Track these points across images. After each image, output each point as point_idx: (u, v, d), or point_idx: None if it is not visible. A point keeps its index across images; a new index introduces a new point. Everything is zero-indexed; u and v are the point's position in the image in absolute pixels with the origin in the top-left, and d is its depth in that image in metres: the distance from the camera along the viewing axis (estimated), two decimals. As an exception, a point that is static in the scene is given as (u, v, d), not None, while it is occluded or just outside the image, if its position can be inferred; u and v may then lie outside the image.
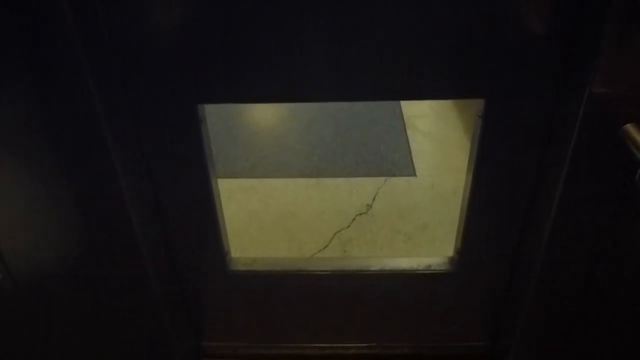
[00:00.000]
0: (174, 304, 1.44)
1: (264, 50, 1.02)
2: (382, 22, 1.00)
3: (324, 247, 1.95)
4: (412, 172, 2.37)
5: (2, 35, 0.86)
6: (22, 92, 0.94)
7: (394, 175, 2.35)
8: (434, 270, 1.44)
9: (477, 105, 1.15)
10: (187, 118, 1.10)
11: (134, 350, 1.43)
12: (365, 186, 2.28)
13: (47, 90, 0.94)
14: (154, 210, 1.27)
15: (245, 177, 2.28)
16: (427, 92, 1.13)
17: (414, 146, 2.55)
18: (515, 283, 1.40)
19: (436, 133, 2.66)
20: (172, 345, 1.44)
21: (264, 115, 2.82)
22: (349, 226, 2.06)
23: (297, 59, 1.04)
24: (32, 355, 1.08)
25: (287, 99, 1.11)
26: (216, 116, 2.65)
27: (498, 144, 1.16)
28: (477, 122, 1.16)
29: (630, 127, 0.97)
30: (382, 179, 2.32)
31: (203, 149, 1.16)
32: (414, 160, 2.45)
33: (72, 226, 1.12)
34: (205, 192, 1.25)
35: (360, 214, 2.12)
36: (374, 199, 2.20)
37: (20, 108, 0.94)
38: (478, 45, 1.02)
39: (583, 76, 0.96)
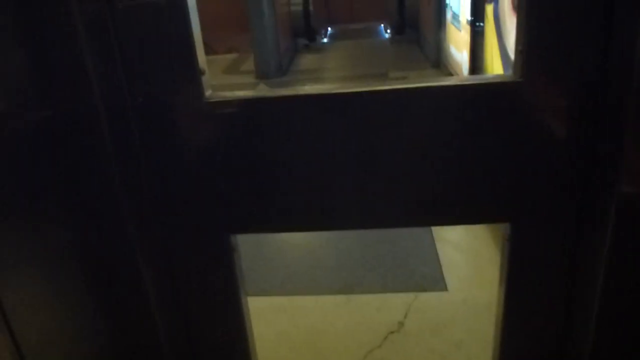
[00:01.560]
0: None
1: (294, 183, 1.07)
2: (405, 153, 1.05)
3: (356, 369, 1.90)
4: (443, 286, 2.34)
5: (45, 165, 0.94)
6: (60, 223, 0.99)
7: (425, 290, 2.32)
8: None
9: (504, 227, 1.17)
10: (220, 247, 1.14)
11: None
12: (395, 302, 2.25)
13: (80, 215, 1.00)
14: (184, 333, 1.27)
15: (274, 295, 2.28)
16: (452, 219, 1.16)
17: (443, 259, 2.53)
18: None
19: (465, 245, 2.65)
20: None
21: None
22: (380, 345, 2.01)
23: (326, 191, 1.09)
24: None
25: (317, 228, 1.15)
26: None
27: (527, 265, 1.16)
28: (505, 245, 1.17)
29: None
30: (412, 294, 2.29)
31: (235, 275, 1.18)
32: (445, 273, 2.42)
33: (98, 342, 1.13)
34: (235, 316, 1.25)
35: (392, 332, 2.07)
36: (405, 316, 2.15)
37: (57, 237, 0.99)
38: (501, 171, 1.06)
39: (609, 180, 0.98)
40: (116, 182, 1.01)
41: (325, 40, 10.47)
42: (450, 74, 5.30)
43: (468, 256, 2.58)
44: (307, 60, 8.37)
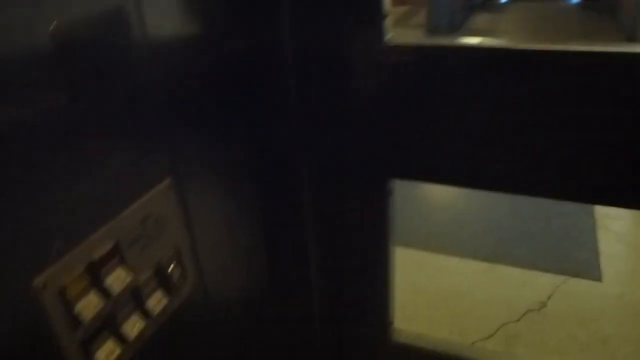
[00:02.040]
0: (329, 354, 1.48)
1: (459, 136, 1.06)
2: (587, 123, 0.98)
3: (488, 337, 1.87)
4: (598, 277, 2.18)
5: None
6: (240, 146, 1.09)
7: (577, 276, 2.18)
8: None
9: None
10: (377, 190, 1.17)
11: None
12: (541, 281, 2.15)
13: (260, 144, 1.09)
14: (332, 272, 1.34)
15: (416, 249, 2.29)
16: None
17: (603, 248, 2.34)
18: None
19: (631, 238, 2.43)
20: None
21: (444, 190, 2.83)
22: (518, 320, 1.95)
23: (489, 149, 1.05)
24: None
25: (475, 186, 1.13)
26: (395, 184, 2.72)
27: None
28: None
29: None
30: (561, 277, 2.16)
31: (387, 220, 1.21)
32: (602, 263, 2.25)
33: (260, 261, 1.24)
34: (381, 261, 1.29)
35: (532, 310, 1.99)
36: (549, 297, 2.05)
37: (236, 157, 1.10)
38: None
39: None
40: (292, 117, 1.07)
41: (504, -1, 9.82)
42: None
43: (632, 250, 2.36)
44: (482, 20, 7.95)
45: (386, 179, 1.17)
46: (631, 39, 5.66)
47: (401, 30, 7.21)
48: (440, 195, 2.80)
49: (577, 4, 9.05)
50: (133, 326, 0.77)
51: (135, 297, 0.78)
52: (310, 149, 1.14)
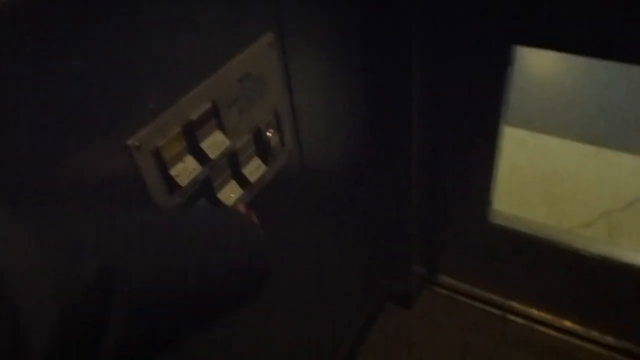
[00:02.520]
0: (423, 229, 1.45)
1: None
2: None
3: (588, 224, 1.76)
4: None
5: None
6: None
7: (699, 168, 1.97)
8: None
9: None
10: (499, 57, 1.03)
11: (375, 258, 1.49)
12: (655, 170, 1.96)
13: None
14: (433, 141, 1.25)
15: (518, 127, 2.13)
16: None
17: None
18: None
19: None
20: (408, 263, 1.47)
21: (555, 66, 2.57)
22: (622, 209, 1.81)
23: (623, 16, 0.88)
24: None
25: (604, 56, 0.96)
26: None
27: None
28: None
29: None
30: (681, 169, 1.96)
31: (504, 90, 1.08)
32: None
33: (361, 135, 1.17)
34: (489, 135, 1.19)
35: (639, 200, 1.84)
36: (662, 188, 1.88)
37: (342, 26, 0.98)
38: None
39: None
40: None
41: None
42: None
43: None
44: None
45: (509, 44, 1.02)
46: None
47: None
48: (548, 70, 2.56)
49: None
50: (229, 192, 0.73)
51: (232, 163, 0.74)
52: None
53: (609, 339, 1.43)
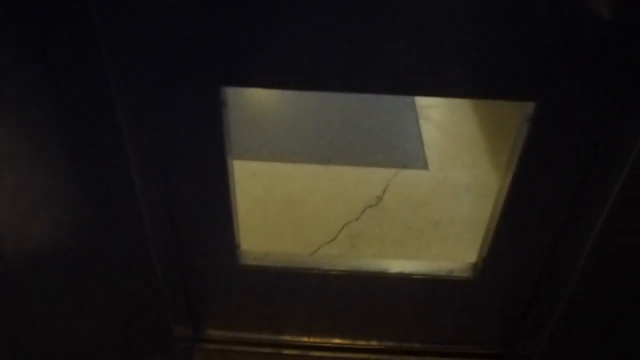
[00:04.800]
0: (176, 288, 1.35)
1: (287, 36, 0.92)
2: (418, 11, 0.89)
3: (332, 240, 1.86)
4: (424, 165, 2.28)
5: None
6: (38, 75, 0.82)
7: (406, 167, 2.25)
8: (455, 276, 1.35)
9: (524, 108, 1.05)
10: (209, 100, 0.99)
11: (131, 333, 1.33)
12: (375, 176, 2.19)
13: (60, 72, 0.83)
14: (163, 194, 1.16)
15: (250, 160, 2.17)
16: (472, 91, 1.03)
17: (426, 137, 2.45)
18: (544, 291, 1.32)
19: (449, 125, 2.56)
20: (170, 329, 1.35)
21: (271, 95, 2.71)
22: (358, 218, 1.97)
23: (319, 47, 0.93)
24: (26, 338, 0.98)
25: (312, 87, 1.01)
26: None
27: (545, 150, 1.07)
28: (523, 126, 1.06)
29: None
30: (393, 170, 2.22)
31: (223, 132, 1.05)
32: (426, 152, 2.35)
33: (74, 205, 1.02)
34: (221, 176, 1.14)
35: (370, 206, 2.03)
36: (384, 191, 2.10)
37: (35, 90, 0.83)
38: (531, 44, 0.92)
39: None
40: (94, 25, 0.82)
41: None
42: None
43: (450, 136, 2.50)
44: None
45: (218, 86, 0.99)
46: None
47: None
48: (265, 101, 2.68)
49: None
50: None
51: None
52: (126, 47, 0.90)
53: (374, 343, 1.52)
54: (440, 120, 2.59)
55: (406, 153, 2.35)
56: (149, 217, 1.09)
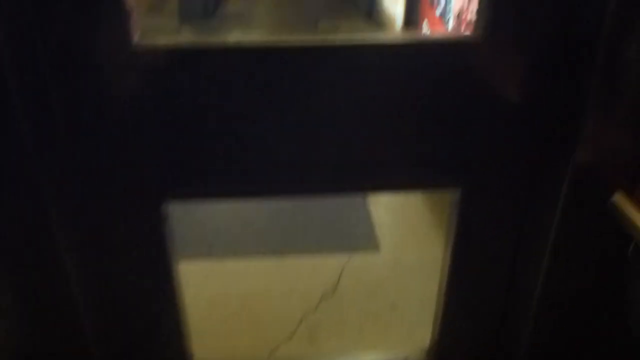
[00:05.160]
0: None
1: (229, 149, 0.97)
2: (349, 114, 0.97)
3: (292, 335, 1.85)
4: (376, 247, 2.32)
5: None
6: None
7: (358, 251, 2.29)
8: (410, 362, 1.37)
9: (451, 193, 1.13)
10: (149, 217, 1.02)
11: None
12: (329, 264, 2.21)
13: None
14: (110, 310, 1.15)
15: (202, 260, 2.17)
16: (402, 184, 1.10)
17: (376, 219, 2.51)
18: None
19: (397, 205, 2.64)
20: None
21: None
22: (315, 309, 1.96)
23: (262, 158, 0.99)
24: None
25: (256, 196, 1.06)
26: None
27: (474, 232, 1.13)
28: (453, 211, 1.13)
29: (619, 198, 0.94)
30: (346, 255, 2.25)
31: (166, 247, 1.07)
32: (377, 234, 2.40)
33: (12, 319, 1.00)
34: (165, 289, 1.15)
35: (326, 295, 2.03)
36: (339, 278, 2.12)
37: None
38: (454, 135, 1.00)
39: (565, 149, 0.95)
40: (27, 143, 0.86)
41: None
42: (381, 27, 5.18)
43: (399, 217, 2.57)
44: (234, 3, 7.94)
45: (158, 204, 1.02)
46: (368, 16, 6.06)
47: (155, 18, 6.76)
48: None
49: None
50: None
51: None
52: (61, 172, 0.93)
53: None
54: (389, 201, 2.67)
55: (358, 236, 2.39)
56: (95, 337, 1.07)
